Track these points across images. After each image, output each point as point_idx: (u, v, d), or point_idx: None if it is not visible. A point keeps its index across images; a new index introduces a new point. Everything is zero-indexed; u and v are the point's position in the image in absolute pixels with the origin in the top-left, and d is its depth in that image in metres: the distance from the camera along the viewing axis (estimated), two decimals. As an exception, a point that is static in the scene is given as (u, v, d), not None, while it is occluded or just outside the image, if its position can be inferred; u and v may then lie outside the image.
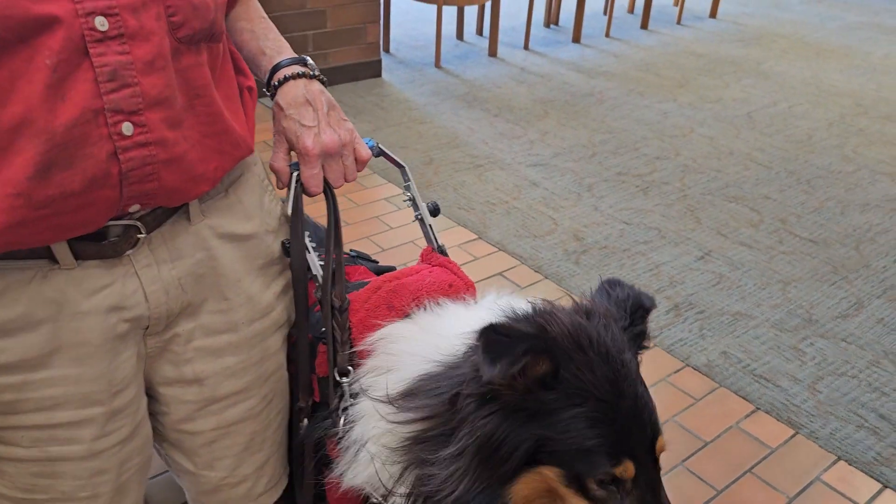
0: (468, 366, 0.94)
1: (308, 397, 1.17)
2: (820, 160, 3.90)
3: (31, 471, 0.97)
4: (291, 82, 1.08)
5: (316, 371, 1.16)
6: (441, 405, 0.94)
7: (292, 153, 1.12)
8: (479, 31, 5.77)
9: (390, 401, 0.99)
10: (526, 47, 5.47)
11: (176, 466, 1.17)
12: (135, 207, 0.91)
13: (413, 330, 1.08)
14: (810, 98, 4.81)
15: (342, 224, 1.22)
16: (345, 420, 1.07)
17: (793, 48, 5.90)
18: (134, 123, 0.82)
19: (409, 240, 2.95)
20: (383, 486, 1.00)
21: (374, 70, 4.68)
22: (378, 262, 1.47)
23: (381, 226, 3.04)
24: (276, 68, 1.10)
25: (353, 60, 4.57)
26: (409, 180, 1.34)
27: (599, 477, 0.90)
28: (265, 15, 1.18)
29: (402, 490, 0.97)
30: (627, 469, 0.91)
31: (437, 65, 4.98)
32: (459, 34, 5.64)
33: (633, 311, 1.02)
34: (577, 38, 5.69)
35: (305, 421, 1.17)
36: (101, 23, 0.78)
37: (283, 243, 1.16)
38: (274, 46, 1.14)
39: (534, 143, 3.91)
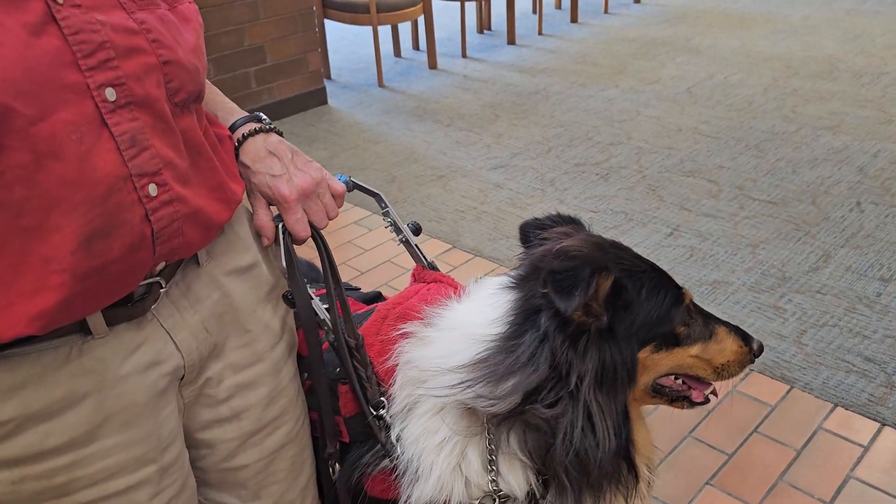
0: (532, 333, 1.00)
1: (335, 441, 1.17)
2: (763, 124, 4.05)
3: None
4: (250, 140, 1.10)
5: (341, 412, 1.17)
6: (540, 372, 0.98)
7: (272, 207, 1.14)
8: (416, 46, 5.82)
9: (478, 391, 1.00)
10: (464, 55, 5.54)
11: None
12: (160, 265, 0.93)
13: (430, 337, 1.10)
14: (743, 66, 4.97)
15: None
16: (400, 447, 1.08)
17: (717, 21, 6.10)
18: (157, 184, 0.86)
19: (385, 259, 2.97)
20: (476, 484, 1.03)
21: (319, 98, 4.70)
22: (360, 289, 1.48)
23: (356, 249, 3.06)
24: (231, 129, 1.12)
25: (298, 91, 4.58)
26: (386, 206, 1.34)
27: (681, 317, 1.08)
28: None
29: (525, 467, 1.02)
30: (687, 294, 1.10)
31: (381, 84, 5.02)
32: (397, 51, 5.69)
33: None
34: (511, 40, 5.79)
35: (337, 466, 1.17)
36: (110, 94, 0.81)
37: (284, 295, 1.15)
38: (224, 108, 1.15)
39: (490, 146, 3.97)
